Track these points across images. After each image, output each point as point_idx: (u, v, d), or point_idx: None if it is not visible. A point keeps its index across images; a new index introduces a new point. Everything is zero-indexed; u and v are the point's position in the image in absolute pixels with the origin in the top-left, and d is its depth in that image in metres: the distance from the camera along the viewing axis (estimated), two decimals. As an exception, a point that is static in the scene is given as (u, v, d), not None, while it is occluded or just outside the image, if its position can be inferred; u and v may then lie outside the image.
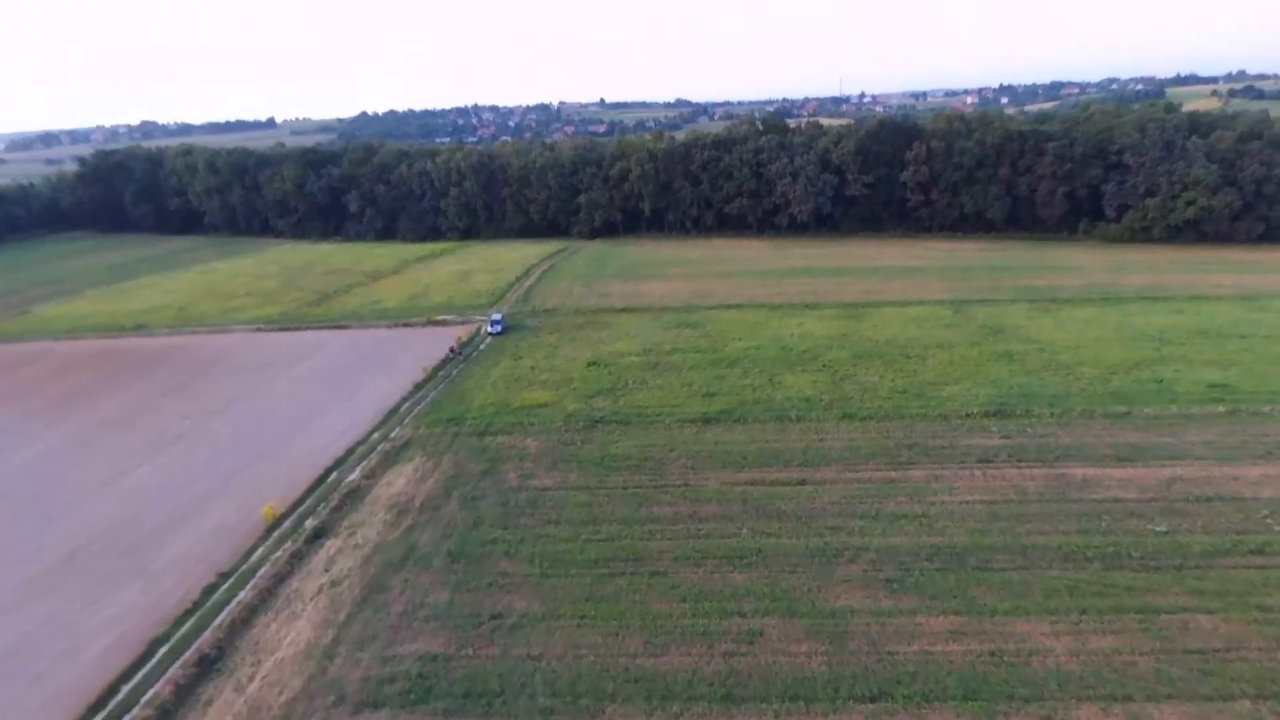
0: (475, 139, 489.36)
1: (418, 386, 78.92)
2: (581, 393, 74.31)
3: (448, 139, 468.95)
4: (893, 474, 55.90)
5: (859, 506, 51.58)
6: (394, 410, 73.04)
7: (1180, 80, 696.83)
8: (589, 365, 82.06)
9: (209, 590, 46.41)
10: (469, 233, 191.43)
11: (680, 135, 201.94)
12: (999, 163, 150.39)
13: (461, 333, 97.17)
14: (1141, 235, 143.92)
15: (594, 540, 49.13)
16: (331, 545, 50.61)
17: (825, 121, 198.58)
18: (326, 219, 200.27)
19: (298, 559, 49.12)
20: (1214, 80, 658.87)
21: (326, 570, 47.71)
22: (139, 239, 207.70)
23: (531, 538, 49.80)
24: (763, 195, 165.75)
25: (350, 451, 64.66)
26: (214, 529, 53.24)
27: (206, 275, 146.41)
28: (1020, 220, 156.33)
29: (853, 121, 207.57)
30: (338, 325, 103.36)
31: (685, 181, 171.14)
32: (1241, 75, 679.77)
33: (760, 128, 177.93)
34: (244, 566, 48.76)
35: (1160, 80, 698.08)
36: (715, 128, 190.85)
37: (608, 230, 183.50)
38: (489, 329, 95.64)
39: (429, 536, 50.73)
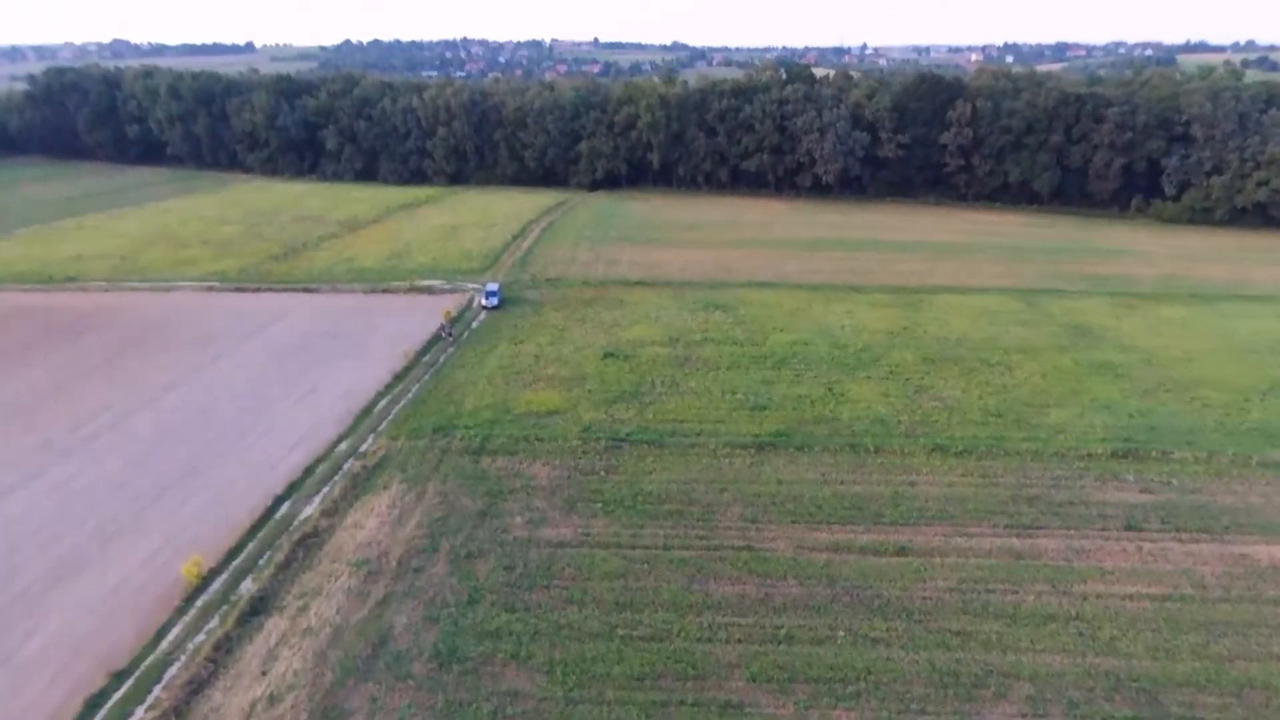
0: (464, 74, 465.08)
1: (397, 377, 64.50)
2: (599, 395, 60.29)
3: (435, 73, 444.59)
4: (1016, 542, 42.68)
5: (986, 597, 38.36)
6: (366, 411, 58.68)
7: (1190, 47, 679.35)
8: (604, 357, 67.91)
9: (91, 705, 32.43)
10: (457, 178, 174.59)
11: (690, 79, 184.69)
12: (1051, 128, 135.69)
13: (451, 305, 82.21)
14: (1202, 217, 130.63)
15: (634, 638, 35.69)
16: (273, 627, 36.77)
17: (854, 74, 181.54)
18: (300, 156, 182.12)
19: (225, 651, 35.21)
20: (1223, 49, 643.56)
21: (263, 673, 33.95)
22: (93, 169, 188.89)
23: (548, 629, 36.27)
24: (785, 152, 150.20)
25: (308, 471, 50.43)
26: (112, 592, 39.17)
27: (160, 216, 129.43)
28: (1066, 194, 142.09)
29: (860, 74, 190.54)
30: (304, 288, 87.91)
31: (699, 132, 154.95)
32: (1252, 45, 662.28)
33: (784, 75, 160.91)
34: (148, 661, 34.85)
35: (1169, 46, 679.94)
36: (734, 74, 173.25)
37: (610, 182, 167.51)
38: (483, 301, 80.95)
39: (408, 619, 37.02)
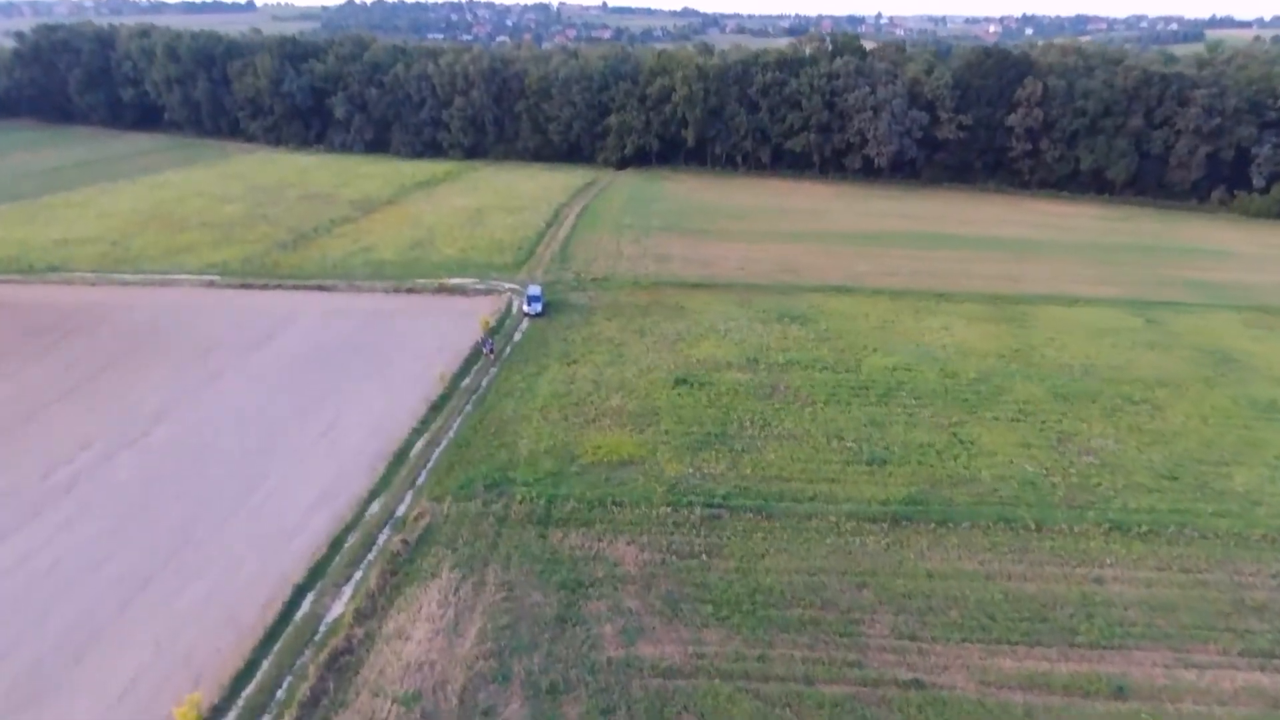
0: (470, 37, 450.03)
1: (433, 407, 53.92)
2: (678, 438, 49.89)
3: (440, 35, 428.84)
4: (1265, 680, 32.40)
5: (1260, 777, 28.05)
6: (400, 455, 48.22)
7: (1215, 22, 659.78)
8: (676, 384, 57.30)
9: None
10: (474, 151, 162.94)
11: (724, 49, 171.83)
12: (1130, 111, 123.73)
13: (487, 309, 71.45)
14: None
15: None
16: (298, 812, 26.48)
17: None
18: (307, 124, 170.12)
19: None
20: (1248, 25, 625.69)
21: None
22: (86, 134, 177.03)
23: (676, 824, 25.96)
24: (834, 131, 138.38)
25: (334, 545, 40.12)
26: (81, 750, 28.87)
27: (156, 191, 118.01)
28: (1140, 183, 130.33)
29: (912, 47, 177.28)
30: (317, 285, 77.01)
31: (740, 107, 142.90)
32: (1277, 21, 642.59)
33: (830, 46, 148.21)
34: None
35: (1194, 21, 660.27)
36: (775, 43, 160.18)
37: (639, 159, 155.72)
38: (525, 308, 70.14)
39: (481, 801, 26.73)
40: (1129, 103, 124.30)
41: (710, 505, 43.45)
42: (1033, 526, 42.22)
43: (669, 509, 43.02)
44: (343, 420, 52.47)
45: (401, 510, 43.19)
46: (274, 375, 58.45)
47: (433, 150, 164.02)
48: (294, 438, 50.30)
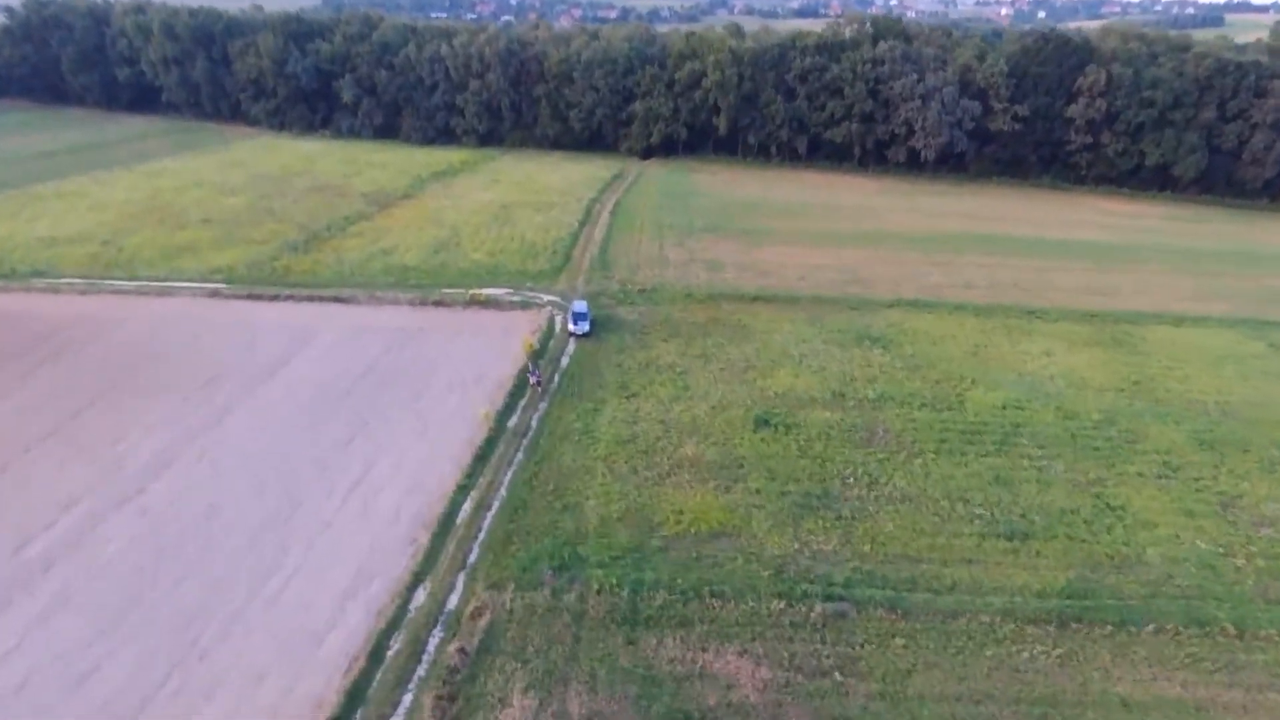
0: (474, 16, 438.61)
1: (479, 456, 45.75)
2: (773, 499, 41.88)
3: (444, 15, 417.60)
4: None
5: None
6: (446, 522, 40.13)
7: (1233, 6, 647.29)
8: (757, 426, 49.05)
9: None
10: (489, 138, 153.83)
11: (754, 32, 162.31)
12: (1202, 103, 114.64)
13: (526, 327, 63.16)
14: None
15: None
16: None
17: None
18: (312, 108, 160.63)
19: None
20: (1265, 9, 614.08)
21: None
22: (79, 116, 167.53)
23: None
24: (878, 121, 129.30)
25: (374, 657, 32.02)
26: None
27: (153, 180, 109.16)
28: (1207, 180, 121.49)
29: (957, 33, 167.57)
30: (334, 296, 68.59)
31: (776, 94, 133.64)
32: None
33: (871, 29, 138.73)
34: None
35: (1210, 5, 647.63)
36: (815, 26, 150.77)
37: (665, 148, 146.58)
38: (570, 326, 61.74)
39: None
40: (1200, 93, 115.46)
41: (831, 597, 35.29)
42: (1233, 631, 34.33)
43: (781, 602, 35.00)
44: (374, 473, 44.27)
45: (454, 601, 35.09)
46: (290, 412, 50.16)
47: (445, 137, 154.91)
48: (317, 497, 42.12)
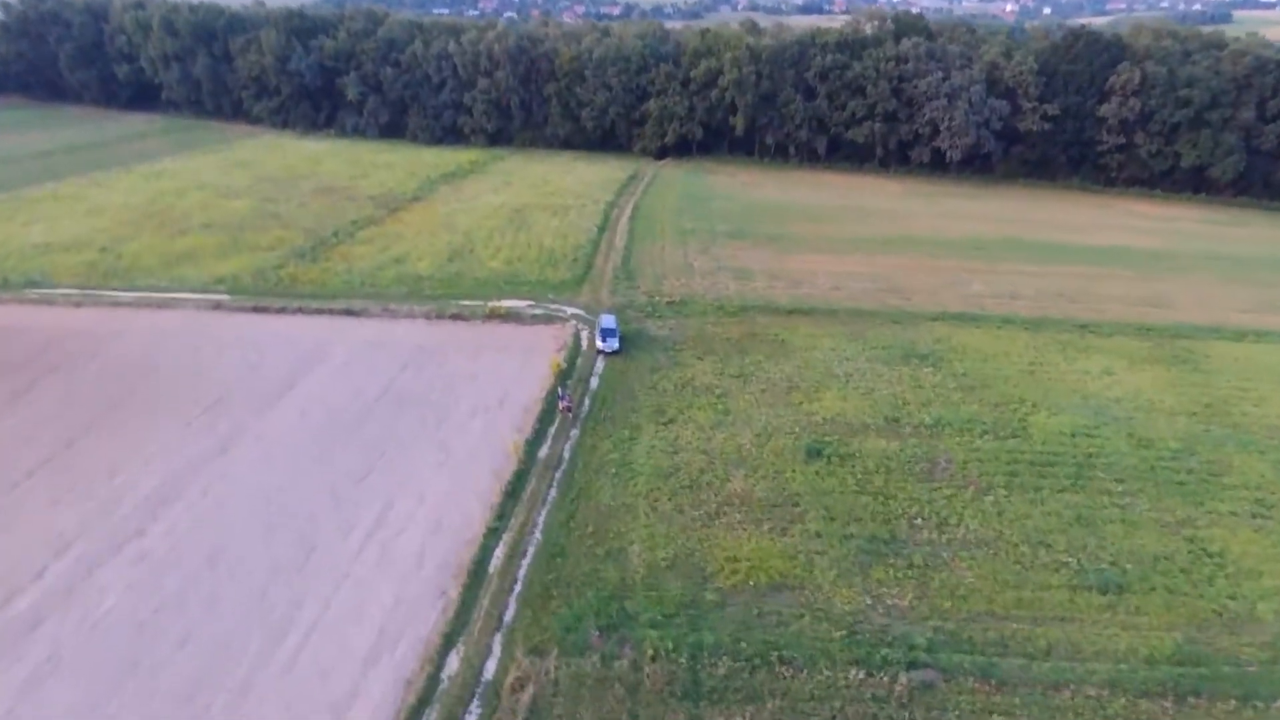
0: (477, 12, 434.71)
1: (509, 493, 41.68)
2: (835, 543, 38.18)
3: (446, 11, 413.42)
4: None
5: None
6: (477, 571, 36.28)
7: (1240, 3, 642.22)
8: (808, 456, 45.12)
9: None
10: (498, 138, 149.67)
11: (763, 27, 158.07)
12: (1240, 102, 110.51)
13: (551, 344, 59.19)
14: None
15: None
16: None
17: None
18: (316, 106, 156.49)
19: None
20: (1270, 6, 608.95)
21: None
22: (77, 114, 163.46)
23: None
24: (901, 120, 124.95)
25: (405, 740, 27.91)
26: None
27: (153, 182, 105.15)
28: (1245, 181, 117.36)
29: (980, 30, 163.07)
30: (345, 308, 64.53)
31: (796, 93, 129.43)
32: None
33: (892, 26, 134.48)
34: None
35: (1220, 3, 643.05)
36: (824, 22, 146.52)
37: (679, 148, 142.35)
38: (599, 343, 57.68)
39: None
40: (1239, 92, 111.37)
41: (914, 664, 31.30)
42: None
43: (859, 671, 31.10)
44: (394, 512, 40.29)
45: (491, 669, 31.15)
46: (301, 441, 46.16)
47: (453, 136, 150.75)
48: (332, 540, 38.16)
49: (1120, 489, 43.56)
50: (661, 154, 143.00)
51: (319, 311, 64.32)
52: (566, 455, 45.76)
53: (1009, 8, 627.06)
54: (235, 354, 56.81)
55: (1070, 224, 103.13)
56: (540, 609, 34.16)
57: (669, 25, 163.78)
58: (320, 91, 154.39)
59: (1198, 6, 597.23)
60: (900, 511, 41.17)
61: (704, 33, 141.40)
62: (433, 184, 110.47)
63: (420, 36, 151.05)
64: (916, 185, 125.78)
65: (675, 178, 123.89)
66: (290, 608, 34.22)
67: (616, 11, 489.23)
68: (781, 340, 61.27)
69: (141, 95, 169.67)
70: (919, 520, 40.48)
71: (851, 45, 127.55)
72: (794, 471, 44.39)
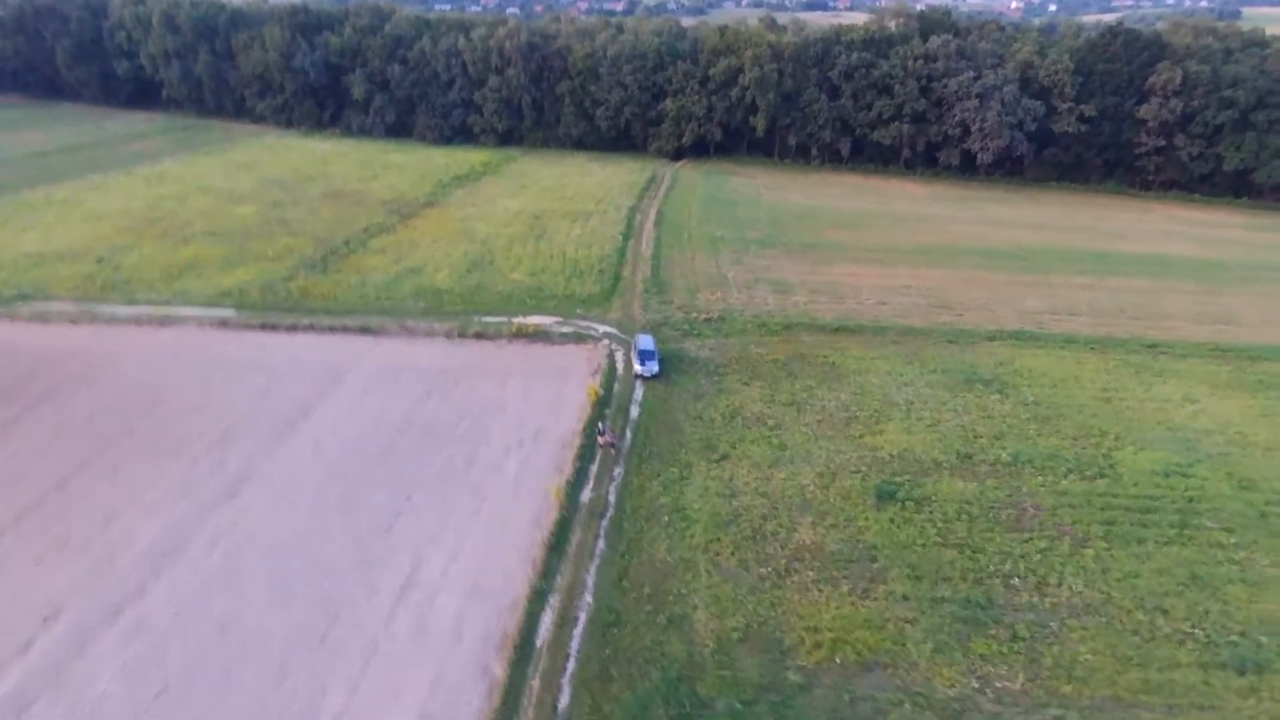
0: (480, 8, 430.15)
1: (551, 545, 37.13)
2: (925, 608, 34.01)
3: (449, 6, 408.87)
4: None
5: None
6: (523, 649, 31.75)
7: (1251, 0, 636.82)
8: (879, 500, 40.51)
9: None
10: (508, 137, 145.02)
11: (784, 25, 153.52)
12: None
13: (583, 366, 54.65)
14: None
15: None
16: None
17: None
18: (321, 105, 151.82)
19: None
20: (1276, 3, 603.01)
21: None
22: (75, 112, 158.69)
23: None
24: (930, 121, 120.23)
25: None
26: None
27: (153, 186, 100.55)
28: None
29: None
30: (360, 325, 59.94)
31: (820, 93, 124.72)
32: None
33: (918, 23, 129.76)
34: None
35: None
36: (857, 19, 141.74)
37: (696, 149, 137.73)
38: (637, 366, 53.11)
39: None
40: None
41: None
42: None
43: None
44: (426, 569, 35.78)
45: (549, 775, 26.45)
46: (318, 481, 41.61)
47: (462, 135, 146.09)
48: (358, 603, 33.68)
49: (1232, 541, 39.05)
50: (678, 155, 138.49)
51: (332, 329, 59.74)
52: (612, 499, 41.23)
53: (1013, 5, 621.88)
54: (243, 379, 52.23)
55: (1112, 230, 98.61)
56: (600, 693, 29.69)
57: (689, 22, 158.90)
58: (325, 89, 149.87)
59: (1204, 3, 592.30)
60: (992, 569, 36.65)
61: (723, 30, 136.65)
62: (445, 187, 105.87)
63: (428, 33, 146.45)
64: (944, 188, 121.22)
65: (695, 180, 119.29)
66: (313, 691, 29.76)
67: (620, 8, 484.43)
68: (832, 363, 56.71)
69: (141, 93, 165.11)
70: (1015, 580, 35.97)
71: (878, 43, 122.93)
72: (866, 519, 39.88)
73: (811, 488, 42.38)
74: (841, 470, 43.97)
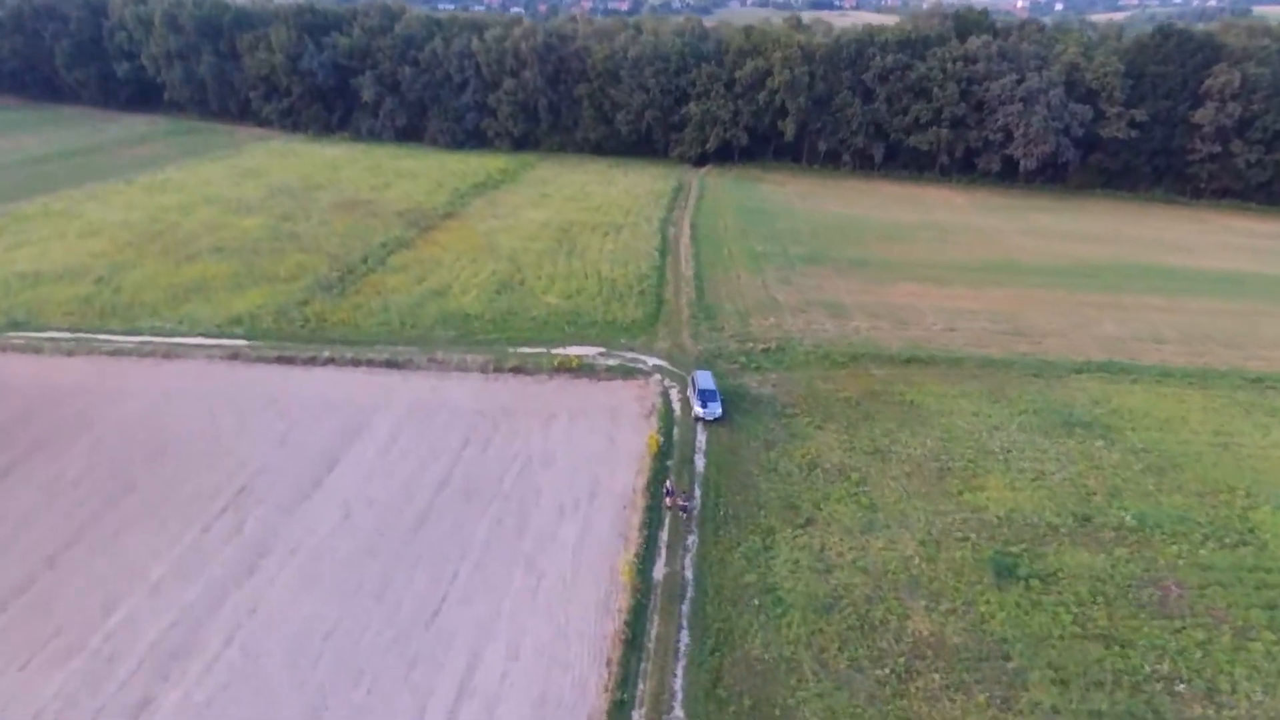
0: (483, 7, 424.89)
1: (627, 640, 31.56)
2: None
3: (452, 6, 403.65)
4: None
5: None
6: (612, 785, 25.75)
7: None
8: (998, 576, 34.77)
9: None
10: (524, 142, 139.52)
11: (809, 25, 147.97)
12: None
13: (635, 405, 48.94)
14: None
15: None
16: None
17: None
18: (329, 108, 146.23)
19: None
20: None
21: None
22: (74, 115, 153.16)
23: None
24: (971, 126, 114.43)
25: None
26: None
27: (155, 196, 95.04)
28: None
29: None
30: (385, 358, 54.23)
31: (854, 96, 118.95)
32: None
33: (953, 23, 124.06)
34: None
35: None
36: (890, 20, 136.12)
37: (720, 154, 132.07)
38: (698, 409, 47.41)
39: None
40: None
41: None
42: None
43: None
44: (481, 673, 30.19)
45: None
46: (349, 556, 36.08)
47: (476, 140, 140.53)
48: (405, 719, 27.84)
49: None
50: (701, 161, 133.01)
51: (354, 363, 54.13)
52: (690, 576, 35.61)
53: (1020, 3, 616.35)
54: (259, 423, 46.62)
55: (1172, 243, 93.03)
56: None
57: (708, 22, 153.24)
58: (333, 92, 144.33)
59: (1213, 2, 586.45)
60: (1147, 669, 31.06)
61: (748, 30, 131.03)
62: (464, 197, 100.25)
63: (440, 33, 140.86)
64: (985, 196, 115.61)
65: (723, 188, 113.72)
66: (357, 847, 23.96)
67: (625, 7, 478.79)
68: (910, 401, 51.08)
69: (142, 95, 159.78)
70: (1179, 685, 30.36)
71: (914, 44, 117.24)
72: (987, 601, 34.26)
73: (916, 560, 36.76)
74: (946, 537, 38.32)
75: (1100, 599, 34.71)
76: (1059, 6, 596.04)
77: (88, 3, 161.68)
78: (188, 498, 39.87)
